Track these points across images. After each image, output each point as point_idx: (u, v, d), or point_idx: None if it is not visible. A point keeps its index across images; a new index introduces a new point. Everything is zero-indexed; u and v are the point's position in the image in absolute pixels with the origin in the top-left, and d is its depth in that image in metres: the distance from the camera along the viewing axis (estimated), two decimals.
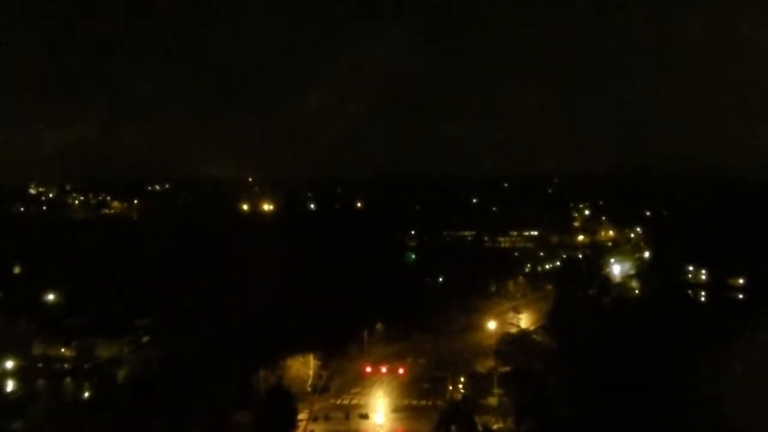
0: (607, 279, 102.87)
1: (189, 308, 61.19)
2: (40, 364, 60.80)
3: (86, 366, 60.23)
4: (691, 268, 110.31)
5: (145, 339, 62.87)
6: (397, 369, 56.85)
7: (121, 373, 58.01)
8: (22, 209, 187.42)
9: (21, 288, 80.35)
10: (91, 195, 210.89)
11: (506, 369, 58.98)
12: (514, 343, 67.79)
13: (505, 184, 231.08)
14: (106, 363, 59.88)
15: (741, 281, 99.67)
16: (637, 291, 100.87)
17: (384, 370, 56.60)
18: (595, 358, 56.59)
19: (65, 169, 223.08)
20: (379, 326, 73.50)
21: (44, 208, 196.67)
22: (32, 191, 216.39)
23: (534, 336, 71.18)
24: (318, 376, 57.72)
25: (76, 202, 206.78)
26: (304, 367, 57.28)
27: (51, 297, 77.73)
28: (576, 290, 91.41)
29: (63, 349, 63.04)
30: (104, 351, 61.74)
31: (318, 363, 58.03)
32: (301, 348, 57.84)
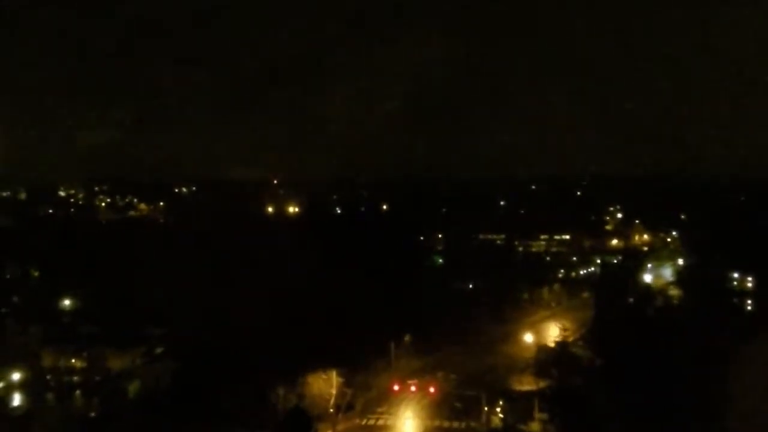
0: (648, 287, 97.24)
1: (206, 318, 57.41)
2: (48, 376, 57.51)
3: (97, 379, 56.81)
4: (735, 275, 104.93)
5: (159, 350, 59.32)
6: (428, 387, 52.28)
7: (132, 388, 54.52)
8: (50, 211, 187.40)
9: (37, 293, 78.00)
10: (118, 197, 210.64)
11: (545, 386, 54.25)
12: (553, 358, 62.94)
13: (533, 186, 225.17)
14: (116, 376, 56.40)
15: None
16: (679, 299, 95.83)
17: (413, 388, 52.08)
18: (645, 376, 52.83)
19: (94, 171, 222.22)
20: (406, 338, 69.05)
21: (72, 210, 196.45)
22: (62, 193, 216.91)
23: (574, 349, 65.92)
24: (342, 393, 53.39)
25: (103, 204, 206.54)
26: (326, 384, 53.04)
27: (67, 302, 75.17)
28: (616, 299, 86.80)
29: (74, 360, 59.71)
30: (116, 362, 58.29)
31: (341, 379, 53.68)
32: (323, 362, 53.56)
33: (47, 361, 59.03)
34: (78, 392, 56.05)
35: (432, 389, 51.79)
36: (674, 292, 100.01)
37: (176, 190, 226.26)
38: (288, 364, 51.52)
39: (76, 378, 57.94)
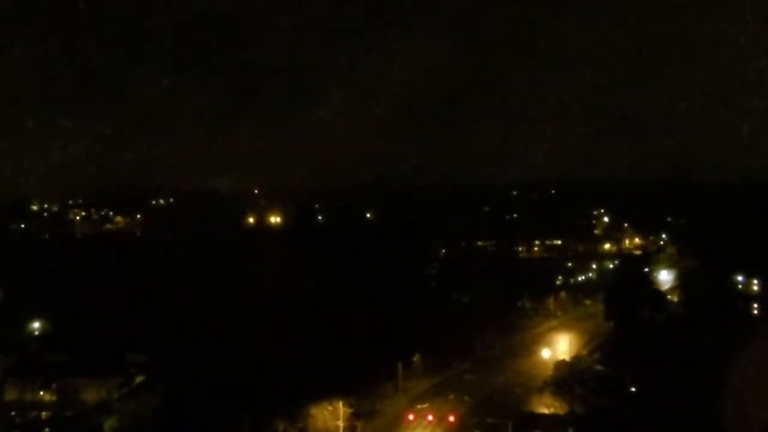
0: (659, 295, 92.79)
1: (191, 342, 51.02)
2: (13, 412, 50.69)
3: (68, 414, 50.06)
4: (740, 278, 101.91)
5: (139, 380, 52.61)
6: (445, 415, 46.51)
7: (109, 424, 47.89)
8: (22, 226, 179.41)
9: (1, 317, 70.68)
10: (93, 210, 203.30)
11: (575, 410, 48.75)
12: (573, 376, 57.53)
13: (514, 192, 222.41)
14: (91, 410, 49.64)
15: None
16: (689, 306, 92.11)
17: (430, 417, 46.30)
18: (681, 394, 48.49)
19: (67, 184, 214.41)
20: (412, 356, 63.19)
21: (45, 224, 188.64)
22: (34, 207, 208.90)
23: (597, 367, 60.59)
24: (350, 427, 47.22)
25: (78, 217, 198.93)
26: (332, 416, 46.89)
27: (34, 326, 68.23)
28: (626, 309, 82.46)
29: (41, 392, 52.93)
30: (90, 394, 51.74)
31: (348, 409, 47.55)
32: (326, 391, 47.45)
33: (11, 394, 52.66)
34: (47, 430, 49.29)
35: (451, 418, 45.93)
36: (680, 298, 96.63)
37: (154, 202, 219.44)
38: (287, 393, 45.45)
39: (44, 413, 51.30)
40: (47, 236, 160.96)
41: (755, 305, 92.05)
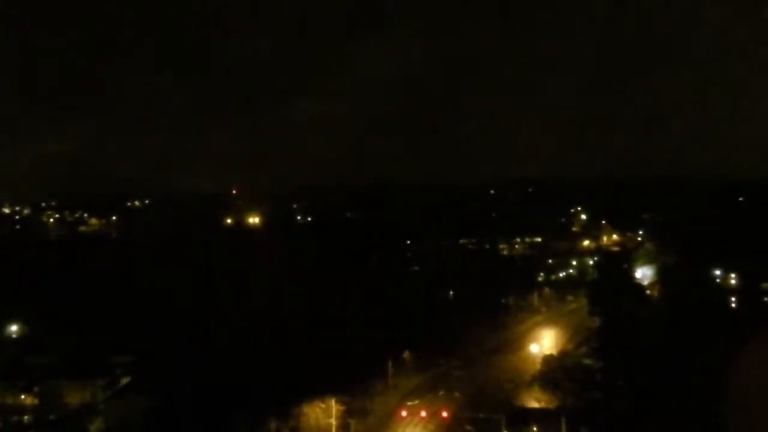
0: (639, 290, 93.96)
1: (178, 342, 50.10)
2: None
3: (51, 417, 48.81)
4: (718, 273, 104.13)
5: (124, 381, 51.53)
6: (438, 411, 46.28)
7: (94, 427, 46.77)
8: None
9: None
10: (67, 212, 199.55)
11: (565, 403, 48.83)
12: (562, 370, 57.78)
13: (491, 191, 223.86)
14: (75, 413, 48.46)
15: None
16: (669, 301, 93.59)
17: (423, 413, 46.02)
18: (667, 385, 49.15)
19: (40, 186, 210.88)
20: (401, 354, 62.98)
21: (17, 227, 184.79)
22: (6, 210, 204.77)
23: (585, 360, 60.99)
24: (343, 425, 46.71)
25: (51, 219, 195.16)
26: (324, 414, 46.33)
27: (13, 329, 66.63)
28: (609, 304, 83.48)
29: (23, 396, 51.59)
30: (74, 397, 50.58)
31: (340, 407, 47.04)
32: (318, 389, 46.88)
33: None
34: None
35: (444, 414, 45.70)
36: (661, 291, 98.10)
37: (129, 204, 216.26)
38: (279, 392, 44.87)
39: (26, 417, 49.95)
40: (19, 239, 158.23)
41: (733, 298, 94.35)
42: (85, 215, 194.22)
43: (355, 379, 50.06)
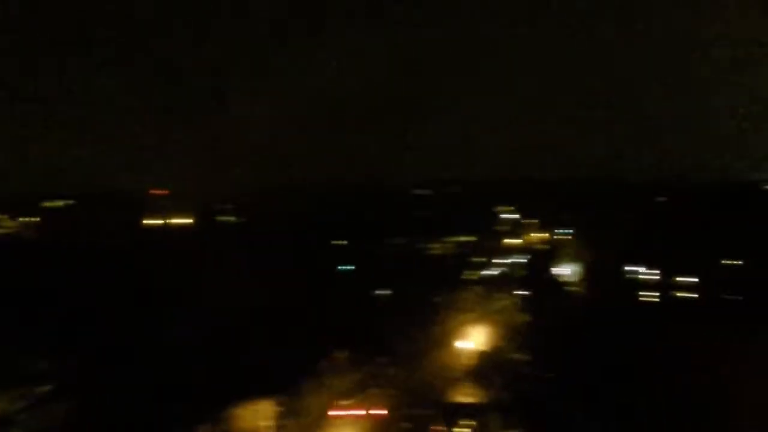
0: (564, 286, 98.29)
1: (102, 347, 48.23)
2: None
3: None
4: (636, 269, 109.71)
5: (46, 389, 49.02)
6: (373, 410, 46.50)
7: None
8: None
9: None
10: None
11: (498, 398, 50.30)
12: (492, 365, 59.61)
13: (416, 191, 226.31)
14: None
15: (690, 280, 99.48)
16: (588, 295, 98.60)
17: (358, 411, 46.11)
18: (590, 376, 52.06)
19: None
20: (335, 353, 62.83)
21: None
22: None
23: (512, 355, 63.02)
24: (276, 426, 46.17)
25: None
26: (257, 416, 45.66)
27: None
28: (535, 301, 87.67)
29: None
30: None
31: (273, 408, 46.50)
32: (249, 390, 46.20)
33: None
34: None
35: (379, 411, 45.99)
36: (581, 288, 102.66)
37: (48, 205, 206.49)
38: (206, 397, 43.90)
39: None
40: None
41: (647, 292, 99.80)
42: None
43: (288, 380, 49.57)
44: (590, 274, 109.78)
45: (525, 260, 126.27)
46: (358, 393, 56.40)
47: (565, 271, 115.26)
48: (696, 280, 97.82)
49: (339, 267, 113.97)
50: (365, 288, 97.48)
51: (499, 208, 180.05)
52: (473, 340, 74.45)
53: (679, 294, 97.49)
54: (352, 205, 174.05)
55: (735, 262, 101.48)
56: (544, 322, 73.43)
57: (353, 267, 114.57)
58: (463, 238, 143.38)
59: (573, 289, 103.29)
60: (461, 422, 46.29)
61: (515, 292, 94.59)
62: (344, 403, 51.48)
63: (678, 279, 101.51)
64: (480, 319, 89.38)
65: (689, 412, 44.52)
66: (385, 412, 47.55)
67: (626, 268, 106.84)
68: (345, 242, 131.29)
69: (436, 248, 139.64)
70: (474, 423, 46.21)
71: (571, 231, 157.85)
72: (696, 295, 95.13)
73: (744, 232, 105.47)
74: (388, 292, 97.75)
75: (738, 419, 42.45)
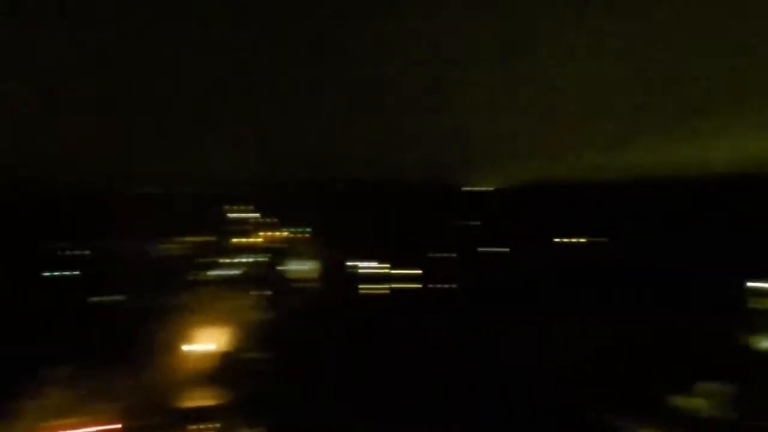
0: (299, 282, 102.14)
1: None
2: None
3: None
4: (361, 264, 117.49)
5: None
6: (104, 422, 43.44)
7: None
8: None
9: None
10: None
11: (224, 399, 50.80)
12: (227, 366, 59.93)
13: (146, 190, 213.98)
14: None
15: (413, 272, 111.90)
16: (319, 289, 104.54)
17: (89, 427, 42.57)
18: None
19: None
20: (60, 369, 57.15)
21: None
22: None
23: (249, 354, 64.07)
24: None
25: None
26: None
27: None
28: (272, 298, 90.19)
29: None
30: None
31: None
32: None
33: None
34: None
35: (114, 425, 43.23)
36: (314, 284, 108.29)
37: None
38: None
39: None
40: None
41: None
42: None
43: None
44: (320, 269, 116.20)
45: (264, 259, 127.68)
46: (84, 407, 52.26)
47: (302, 267, 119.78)
48: (420, 272, 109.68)
49: (51, 272, 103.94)
50: (89, 294, 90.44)
51: (236, 207, 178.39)
52: (210, 341, 73.44)
53: (403, 285, 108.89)
54: (67, 205, 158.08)
55: (448, 255, 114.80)
56: (278, 319, 75.65)
57: (74, 274, 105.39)
58: (198, 239, 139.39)
59: (307, 284, 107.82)
60: (203, 426, 45.62)
61: (252, 292, 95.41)
62: (66, 421, 47.36)
63: (402, 271, 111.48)
64: (216, 320, 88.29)
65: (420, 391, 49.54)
66: (119, 426, 44.73)
67: (355, 263, 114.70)
68: (61, 244, 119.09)
69: (170, 249, 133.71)
70: (217, 425, 45.94)
71: (309, 229, 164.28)
72: (419, 285, 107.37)
73: (453, 229, 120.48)
74: (117, 298, 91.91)
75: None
